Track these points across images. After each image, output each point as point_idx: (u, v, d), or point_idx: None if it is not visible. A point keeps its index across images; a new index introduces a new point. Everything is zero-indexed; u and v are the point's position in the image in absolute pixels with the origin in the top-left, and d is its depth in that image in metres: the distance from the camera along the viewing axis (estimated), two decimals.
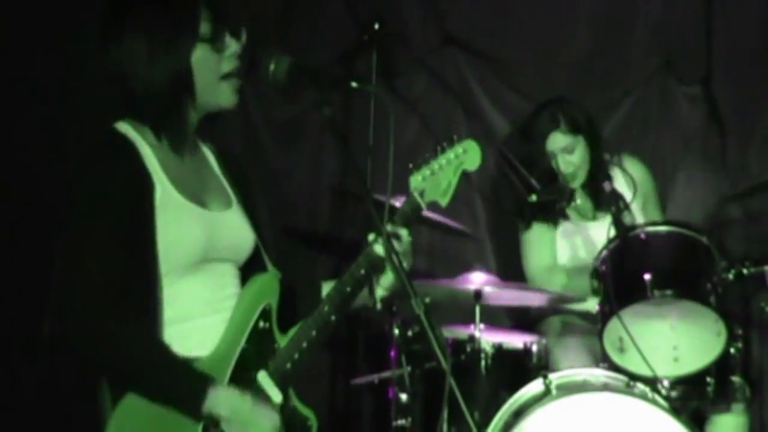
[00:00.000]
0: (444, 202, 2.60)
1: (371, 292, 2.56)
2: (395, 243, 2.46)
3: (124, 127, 2.41)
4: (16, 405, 4.14)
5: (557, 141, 3.99)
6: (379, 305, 2.57)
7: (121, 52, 2.36)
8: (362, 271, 2.50)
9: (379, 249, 2.48)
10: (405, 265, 2.43)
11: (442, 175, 2.59)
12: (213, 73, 2.41)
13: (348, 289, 2.49)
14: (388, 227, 2.46)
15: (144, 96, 2.37)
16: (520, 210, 4.14)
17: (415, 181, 2.58)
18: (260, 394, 2.40)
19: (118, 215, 2.30)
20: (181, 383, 2.30)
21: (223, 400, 2.30)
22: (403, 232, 2.51)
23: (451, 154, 2.61)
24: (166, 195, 2.37)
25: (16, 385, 4.15)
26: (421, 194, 2.57)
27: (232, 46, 2.42)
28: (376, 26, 4.40)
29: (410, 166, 2.57)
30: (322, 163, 4.69)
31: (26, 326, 3.69)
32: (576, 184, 4.03)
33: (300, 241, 4.62)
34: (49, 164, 3.99)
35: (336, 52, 4.56)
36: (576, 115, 4.02)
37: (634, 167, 4.07)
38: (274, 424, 2.37)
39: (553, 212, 4.07)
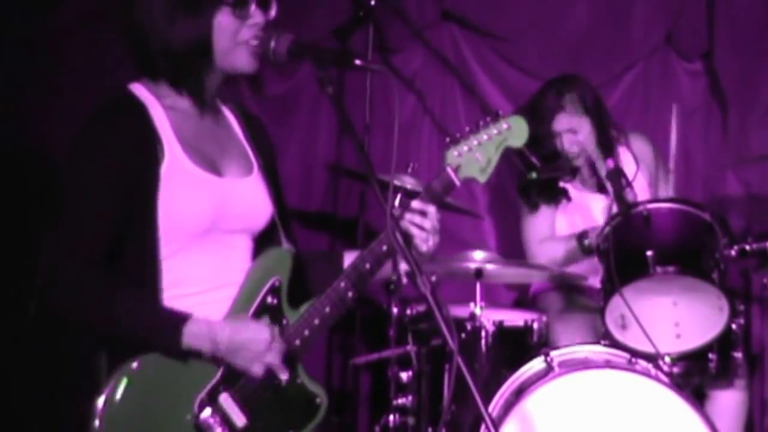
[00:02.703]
0: (482, 179, 2.51)
1: (395, 267, 2.48)
2: (421, 219, 2.42)
3: (138, 89, 2.39)
4: (11, 372, 4.12)
5: (563, 122, 3.98)
6: (405, 279, 2.49)
7: (143, 9, 2.34)
8: (384, 248, 2.43)
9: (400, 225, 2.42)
10: (431, 243, 2.40)
11: (482, 151, 2.49)
12: (231, 38, 2.37)
13: (367, 266, 2.43)
14: (416, 203, 2.43)
15: (160, 54, 2.35)
16: (525, 193, 4.11)
17: (450, 156, 2.48)
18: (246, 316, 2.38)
19: (115, 181, 2.28)
20: (157, 326, 2.29)
21: (204, 333, 2.28)
22: (431, 209, 2.45)
23: (493, 130, 2.51)
24: (175, 161, 2.34)
25: (11, 352, 4.13)
26: (456, 170, 2.49)
27: (257, 16, 2.39)
28: (372, 1, 4.35)
29: (447, 140, 2.49)
30: (316, 139, 4.65)
31: (22, 293, 3.70)
32: (580, 163, 4.02)
33: (294, 218, 4.59)
34: (53, 130, 3.97)
35: (332, 28, 4.51)
36: (583, 94, 4.01)
37: (639, 145, 4.07)
38: (265, 339, 2.33)
39: (555, 193, 4.05)
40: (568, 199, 4.08)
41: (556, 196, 4.08)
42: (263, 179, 2.51)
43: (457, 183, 2.49)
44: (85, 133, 2.33)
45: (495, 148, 2.50)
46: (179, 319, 2.28)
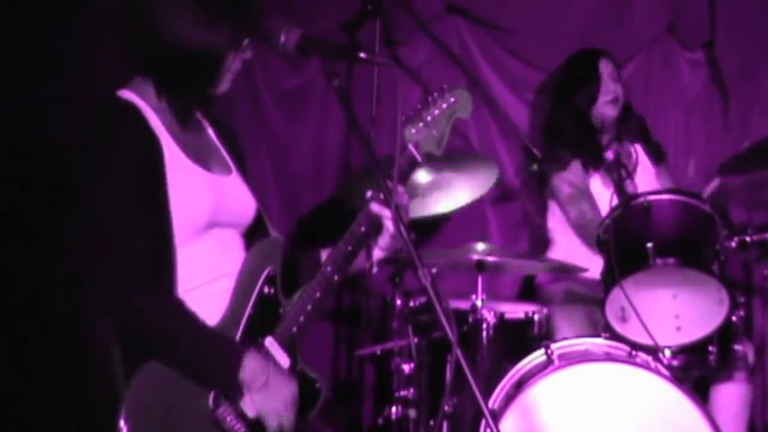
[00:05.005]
0: (438, 152, 2.61)
1: (368, 254, 2.57)
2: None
3: (127, 94, 2.43)
4: (27, 378, 4.17)
5: (608, 65, 4.10)
6: (375, 268, 2.59)
7: (163, 10, 2.37)
8: (363, 229, 2.51)
9: (375, 206, 2.48)
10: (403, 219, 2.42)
11: (435, 125, 2.59)
12: (228, 64, 2.44)
13: (349, 248, 2.50)
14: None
15: (165, 56, 2.38)
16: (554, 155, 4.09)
17: (409, 134, 2.57)
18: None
19: (132, 185, 2.31)
20: (216, 353, 2.33)
21: (250, 366, 2.33)
22: (400, 189, 2.50)
23: (442, 104, 2.62)
24: (174, 158, 2.39)
25: (26, 358, 4.18)
26: (416, 146, 2.57)
27: (247, 52, 2.46)
28: None
29: (402, 118, 2.57)
30: (327, 133, 4.68)
31: (36, 297, 3.75)
32: (610, 116, 4.06)
33: (305, 212, 4.63)
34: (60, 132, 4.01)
35: (339, 21, 4.53)
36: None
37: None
38: (293, 393, 2.38)
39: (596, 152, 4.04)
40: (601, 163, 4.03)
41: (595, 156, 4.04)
42: (242, 178, 2.57)
43: (419, 159, 2.58)
44: (92, 140, 2.36)
45: (446, 121, 2.62)
46: (238, 351, 2.34)
